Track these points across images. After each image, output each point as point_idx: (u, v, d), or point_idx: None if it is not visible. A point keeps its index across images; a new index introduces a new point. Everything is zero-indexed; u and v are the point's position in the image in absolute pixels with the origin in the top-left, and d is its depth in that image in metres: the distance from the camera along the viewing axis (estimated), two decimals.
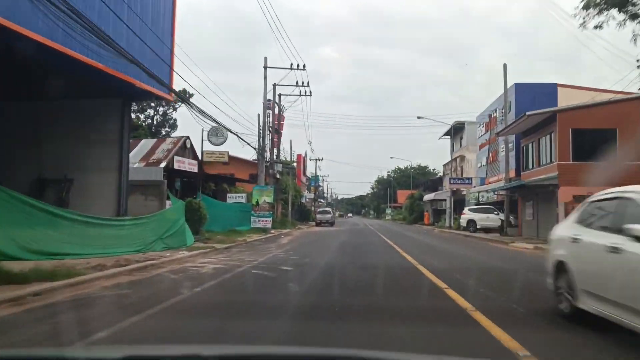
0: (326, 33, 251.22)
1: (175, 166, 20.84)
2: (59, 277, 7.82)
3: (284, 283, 8.87)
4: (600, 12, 14.14)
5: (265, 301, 7.04)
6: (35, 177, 15.34)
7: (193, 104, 16.74)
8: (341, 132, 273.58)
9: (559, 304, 6.03)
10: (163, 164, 20.34)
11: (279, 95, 34.94)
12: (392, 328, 5.29)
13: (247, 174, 34.94)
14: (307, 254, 14.62)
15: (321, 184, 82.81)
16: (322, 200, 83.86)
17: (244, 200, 28.85)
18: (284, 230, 30.88)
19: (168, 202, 17.94)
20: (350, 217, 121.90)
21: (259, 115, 29.71)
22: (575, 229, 6.10)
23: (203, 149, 25.64)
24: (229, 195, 28.50)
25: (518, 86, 29.31)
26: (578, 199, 22.32)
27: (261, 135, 29.22)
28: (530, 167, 26.57)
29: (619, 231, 4.92)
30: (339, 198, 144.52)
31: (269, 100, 32.39)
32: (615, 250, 4.91)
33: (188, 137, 27.39)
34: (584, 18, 14.40)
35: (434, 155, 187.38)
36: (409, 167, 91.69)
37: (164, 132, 49.46)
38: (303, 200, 57.06)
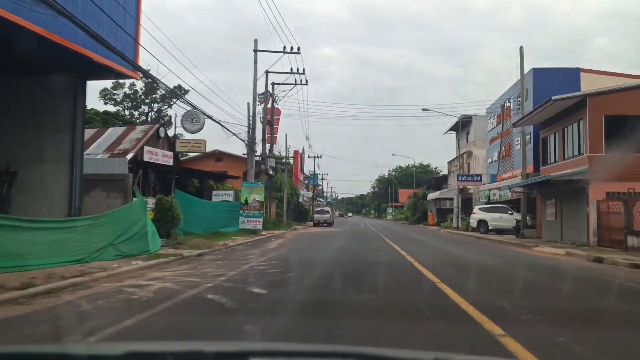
0: (326, 33, 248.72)
1: (146, 158, 17.81)
2: None
3: (239, 325, 5.28)
4: None
5: None
6: None
7: (159, 80, 13.80)
8: (341, 131, 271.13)
9: None
10: (130, 155, 17.35)
11: (272, 84, 32.05)
12: None
13: (241, 171, 32.01)
14: (293, 266, 11.39)
15: (320, 183, 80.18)
16: (321, 200, 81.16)
17: (230, 199, 25.91)
18: (276, 231, 27.97)
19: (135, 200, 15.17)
20: (350, 216, 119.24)
21: (248, 104, 26.84)
22: None
23: (177, 137, 22.42)
24: (214, 192, 25.57)
25: (536, 71, 26.34)
26: (612, 196, 19.71)
27: (251, 126, 26.35)
28: (552, 160, 23.64)
29: None
30: (339, 197, 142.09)
31: (262, 93, 29.53)
32: None
33: (162, 125, 23.91)
34: None
35: (436, 154, 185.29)
36: (410, 165, 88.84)
37: None
38: (300, 200, 54.74)
